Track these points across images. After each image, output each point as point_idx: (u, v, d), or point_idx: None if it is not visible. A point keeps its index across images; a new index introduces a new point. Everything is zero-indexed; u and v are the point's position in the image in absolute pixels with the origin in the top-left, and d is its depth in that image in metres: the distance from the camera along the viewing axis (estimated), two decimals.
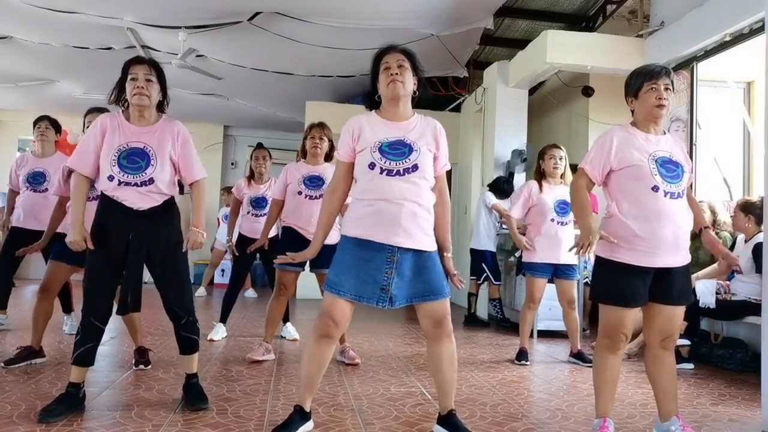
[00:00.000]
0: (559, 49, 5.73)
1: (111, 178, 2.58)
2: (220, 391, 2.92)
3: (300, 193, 3.82)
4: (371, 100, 2.48)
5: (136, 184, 2.59)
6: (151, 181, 2.61)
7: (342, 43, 6.17)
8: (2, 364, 3.33)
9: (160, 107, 2.75)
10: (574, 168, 5.84)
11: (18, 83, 8.07)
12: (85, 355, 2.58)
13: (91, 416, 2.53)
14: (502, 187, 6.07)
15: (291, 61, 6.96)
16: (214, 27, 5.87)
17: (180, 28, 5.86)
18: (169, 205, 2.72)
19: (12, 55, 6.86)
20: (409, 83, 2.39)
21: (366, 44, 5.96)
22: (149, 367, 3.48)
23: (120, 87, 2.67)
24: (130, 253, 2.60)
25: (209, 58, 6.80)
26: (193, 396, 2.73)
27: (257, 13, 5.58)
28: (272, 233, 4.77)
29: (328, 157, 3.96)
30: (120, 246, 2.60)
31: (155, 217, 2.64)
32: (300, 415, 2.37)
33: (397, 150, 2.32)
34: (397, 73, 2.35)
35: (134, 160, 2.59)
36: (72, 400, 2.56)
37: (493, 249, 5.99)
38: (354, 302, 2.31)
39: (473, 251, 6.07)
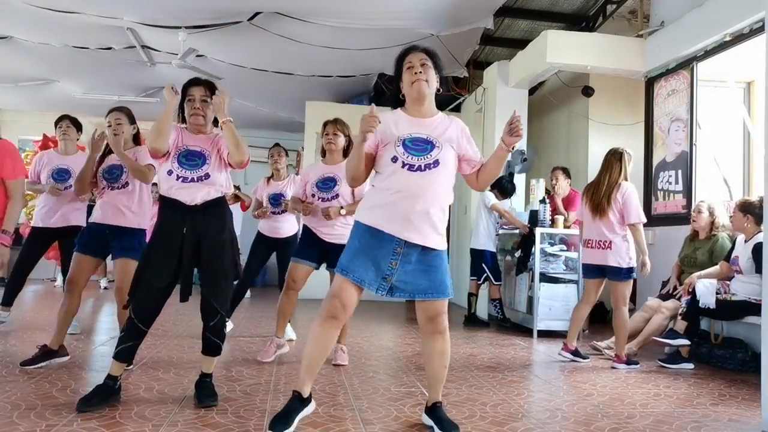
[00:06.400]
0: (559, 49, 5.73)
1: (170, 172, 2.78)
2: (220, 391, 2.92)
3: (314, 195, 3.87)
4: (396, 99, 2.57)
5: (192, 180, 2.79)
6: (207, 176, 2.81)
7: (342, 43, 6.17)
8: (31, 366, 3.34)
9: (216, 122, 2.94)
10: (567, 172, 5.85)
11: (18, 83, 8.08)
12: (124, 353, 2.74)
13: (91, 416, 2.52)
14: (504, 186, 6.06)
15: (291, 61, 6.97)
16: (214, 27, 5.87)
17: (180, 28, 5.86)
18: (223, 202, 2.90)
19: (12, 55, 6.87)
20: (432, 82, 2.48)
21: (366, 44, 5.96)
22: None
23: (181, 107, 2.93)
24: (185, 246, 2.74)
25: (209, 58, 6.80)
26: (204, 393, 2.83)
27: (257, 13, 5.59)
28: (293, 231, 4.89)
29: (347, 153, 3.98)
30: (176, 242, 2.73)
31: (208, 211, 2.80)
32: (299, 401, 2.38)
33: (419, 146, 2.39)
34: (420, 72, 2.44)
35: (192, 158, 2.83)
36: (108, 391, 2.70)
37: (493, 249, 5.99)
38: (358, 287, 2.36)
39: (473, 251, 6.07)
